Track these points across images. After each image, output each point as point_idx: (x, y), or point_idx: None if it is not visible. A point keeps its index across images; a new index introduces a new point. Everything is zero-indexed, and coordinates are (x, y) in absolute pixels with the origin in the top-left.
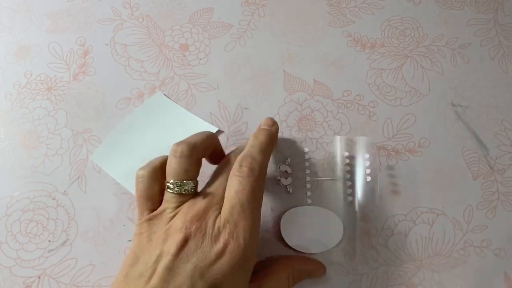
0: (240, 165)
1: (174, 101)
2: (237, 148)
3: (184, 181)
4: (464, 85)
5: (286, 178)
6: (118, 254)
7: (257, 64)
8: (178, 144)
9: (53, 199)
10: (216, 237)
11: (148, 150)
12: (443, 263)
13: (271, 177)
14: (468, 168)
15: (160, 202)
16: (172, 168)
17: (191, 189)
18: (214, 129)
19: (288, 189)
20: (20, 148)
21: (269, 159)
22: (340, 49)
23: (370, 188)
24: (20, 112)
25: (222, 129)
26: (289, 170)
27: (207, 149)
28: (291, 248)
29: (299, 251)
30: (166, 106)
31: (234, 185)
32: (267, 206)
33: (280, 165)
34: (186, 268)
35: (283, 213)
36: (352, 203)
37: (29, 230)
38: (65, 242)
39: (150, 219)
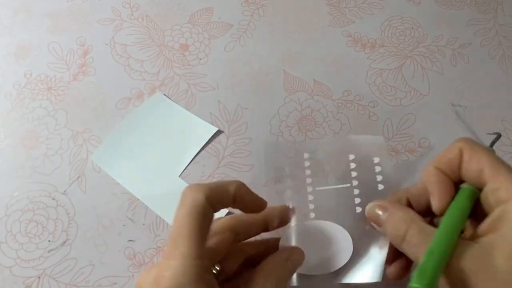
0: None
1: (174, 101)
2: None
3: None
4: (464, 85)
5: (285, 191)
6: (118, 254)
7: (257, 64)
8: None
9: (53, 199)
10: None
11: (148, 150)
12: None
13: (273, 190)
14: None
15: None
16: None
17: None
18: (214, 129)
19: (289, 204)
20: (20, 148)
21: None
22: (340, 49)
23: (383, 197)
24: (20, 112)
25: (222, 129)
26: (289, 181)
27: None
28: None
29: (304, 274)
30: (166, 106)
31: None
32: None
33: (279, 176)
34: None
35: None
36: (361, 214)
37: (29, 230)
38: (65, 242)
39: None
